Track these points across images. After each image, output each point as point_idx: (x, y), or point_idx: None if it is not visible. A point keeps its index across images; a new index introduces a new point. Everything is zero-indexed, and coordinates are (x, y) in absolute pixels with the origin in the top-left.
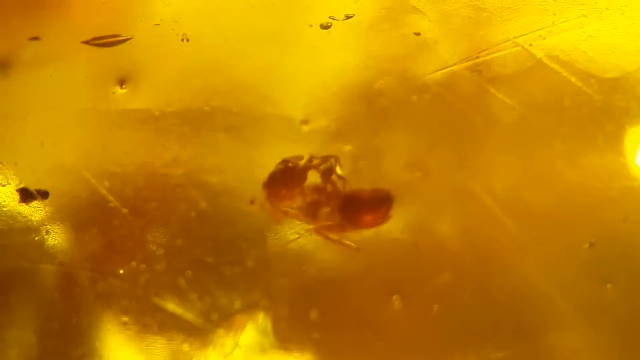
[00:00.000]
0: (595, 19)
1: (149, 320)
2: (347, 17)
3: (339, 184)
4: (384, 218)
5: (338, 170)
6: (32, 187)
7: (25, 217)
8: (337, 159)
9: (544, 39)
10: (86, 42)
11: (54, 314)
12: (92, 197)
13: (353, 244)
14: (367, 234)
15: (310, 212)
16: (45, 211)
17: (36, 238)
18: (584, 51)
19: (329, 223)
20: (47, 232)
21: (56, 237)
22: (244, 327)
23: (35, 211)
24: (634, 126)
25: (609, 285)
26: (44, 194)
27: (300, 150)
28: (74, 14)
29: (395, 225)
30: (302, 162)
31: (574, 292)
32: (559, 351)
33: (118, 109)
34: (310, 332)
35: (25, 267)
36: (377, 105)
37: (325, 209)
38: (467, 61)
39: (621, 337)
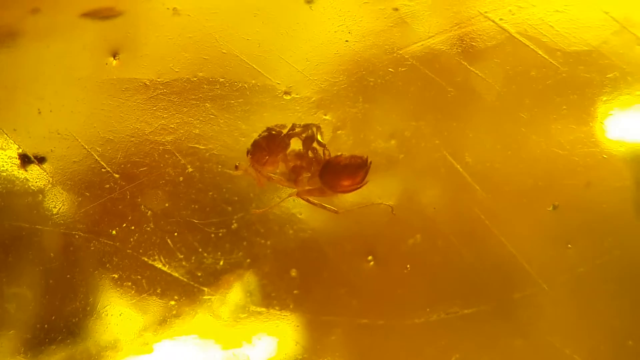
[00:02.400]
0: None
1: (139, 277)
2: None
3: (320, 151)
4: (361, 183)
5: (319, 137)
6: (30, 153)
7: (23, 180)
8: (318, 127)
9: (513, 14)
10: (84, 15)
11: (50, 272)
12: (86, 162)
13: (332, 207)
14: (345, 197)
15: (292, 177)
16: (42, 175)
17: (33, 200)
18: (551, 25)
19: (310, 187)
20: (44, 195)
21: (52, 200)
22: (231, 286)
23: (32, 175)
24: (596, 96)
25: (570, 246)
26: (40, 159)
27: (283, 119)
28: None
29: (371, 190)
30: (285, 130)
31: (538, 253)
32: (523, 309)
33: (111, 78)
34: (290, 289)
35: (23, 227)
36: (356, 77)
37: (307, 174)
38: (442, 35)
39: (581, 296)
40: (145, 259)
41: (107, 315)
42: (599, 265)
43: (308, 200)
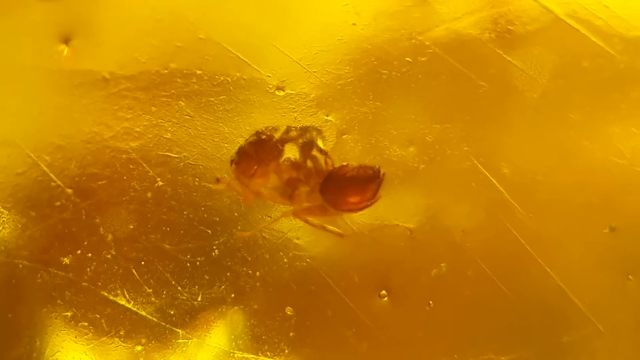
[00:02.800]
0: None
1: (97, 316)
2: None
3: (321, 160)
4: (371, 200)
5: (319, 143)
6: None
7: None
8: (318, 130)
9: None
10: None
11: None
12: (32, 175)
13: (336, 229)
14: (352, 218)
15: (287, 192)
16: None
17: None
18: (606, 5)
19: (309, 205)
20: None
21: None
22: (211, 327)
23: None
24: None
25: (631, 277)
26: None
27: (275, 120)
28: None
29: (384, 209)
30: (277, 134)
31: (591, 286)
32: (573, 355)
33: (61, 70)
34: (285, 331)
35: None
36: (365, 69)
37: (304, 189)
38: (471, 16)
39: None
40: (105, 294)
41: None
42: None
43: (306, 221)
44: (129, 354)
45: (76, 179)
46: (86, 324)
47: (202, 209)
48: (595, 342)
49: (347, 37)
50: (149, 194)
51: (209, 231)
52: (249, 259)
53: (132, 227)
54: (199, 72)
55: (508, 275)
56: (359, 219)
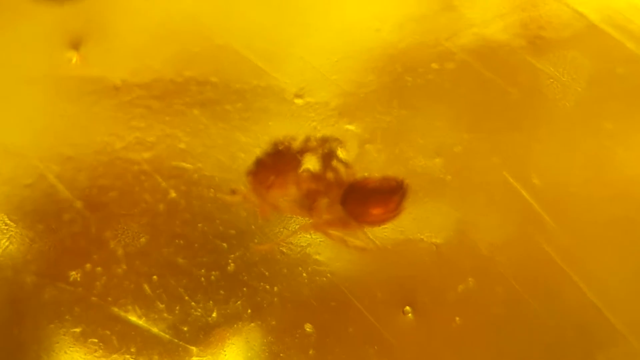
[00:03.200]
0: None
1: (108, 332)
2: None
3: (342, 171)
4: (395, 212)
5: (340, 154)
6: None
7: None
8: (339, 140)
9: None
10: None
11: None
12: (40, 186)
13: (358, 243)
14: (374, 231)
15: (307, 204)
16: None
17: None
18: None
19: (329, 217)
20: None
21: None
22: (226, 345)
23: None
24: None
25: None
26: None
27: (294, 129)
28: None
29: (408, 222)
30: (296, 144)
31: (627, 304)
32: None
33: (71, 78)
34: (305, 349)
35: None
36: (389, 76)
37: (325, 201)
38: (500, 21)
39: None
40: (116, 310)
41: None
42: None
43: (327, 234)
44: None
45: (86, 190)
46: (96, 340)
47: (217, 221)
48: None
49: (370, 43)
50: (161, 207)
51: (225, 245)
52: (267, 273)
53: (143, 240)
54: (214, 79)
55: (539, 292)
56: (382, 233)
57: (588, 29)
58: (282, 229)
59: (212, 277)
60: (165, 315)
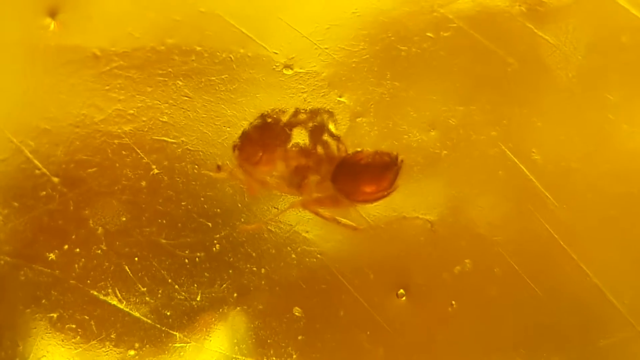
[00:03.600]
0: None
1: (86, 317)
2: None
3: (333, 146)
4: (388, 189)
5: (331, 127)
6: None
7: None
8: (330, 113)
9: None
10: None
11: None
12: (14, 162)
13: (350, 222)
14: (367, 209)
15: (296, 181)
16: None
17: None
18: None
19: (319, 195)
20: None
21: None
22: (211, 330)
23: None
24: None
25: None
26: None
27: (282, 101)
28: None
29: (402, 199)
30: (284, 117)
31: (630, 285)
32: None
33: (47, 47)
34: (293, 334)
35: None
36: (382, 45)
37: (314, 177)
38: None
39: None
40: (95, 293)
41: None
42: None
43: (317, 213)
44: (121, 359)
45: (63, 166)
46: (74, 326)
47: (202, 199)
48: (635, 346)
49: (362, 10)
50: (143, 183)
51: (209, 224)
52: (254, 254)
53: (124, 219)
54: (198, 48)
55: (539, 272)
56: (375, 211)
57: None
58: (270, 208)
59: (197, 258)
60: (147, 299)
